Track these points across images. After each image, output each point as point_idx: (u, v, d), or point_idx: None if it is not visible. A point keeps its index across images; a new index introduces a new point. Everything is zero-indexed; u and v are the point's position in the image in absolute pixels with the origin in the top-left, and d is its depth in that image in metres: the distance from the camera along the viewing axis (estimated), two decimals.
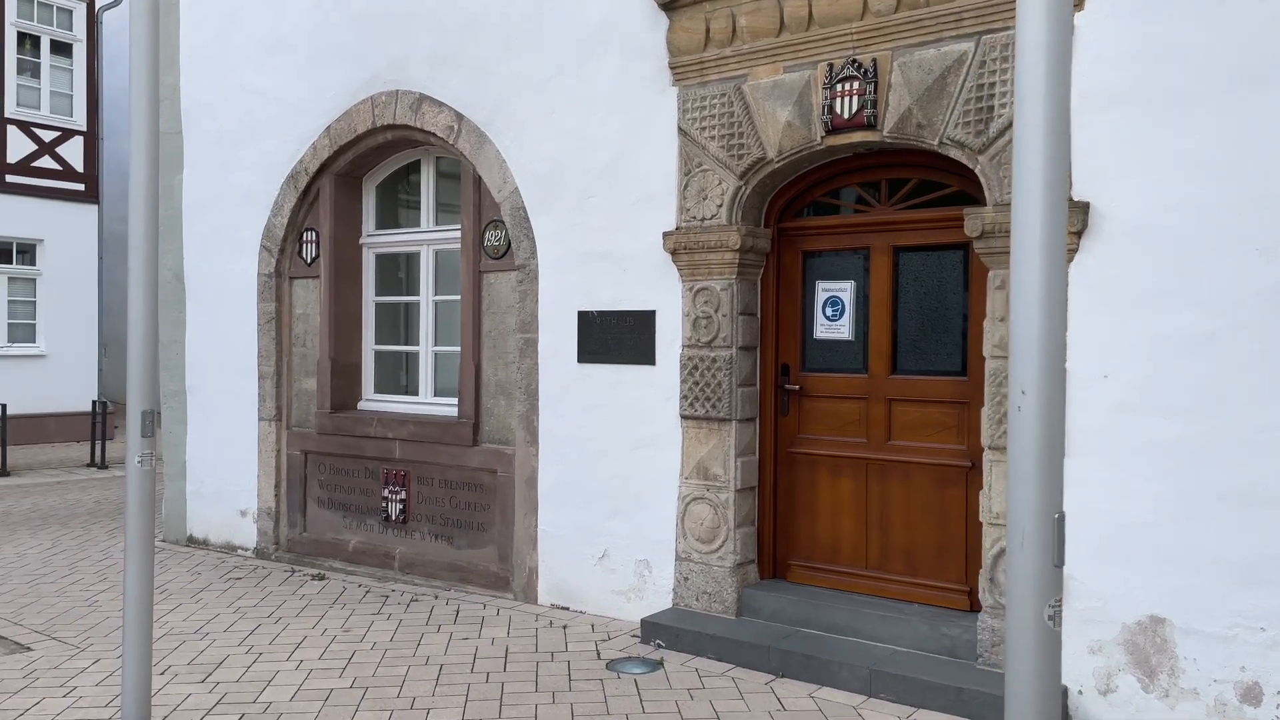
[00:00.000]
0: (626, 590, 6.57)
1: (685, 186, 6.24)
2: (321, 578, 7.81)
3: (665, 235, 6.28)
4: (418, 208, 8.23)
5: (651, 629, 6.07)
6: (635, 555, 6.53)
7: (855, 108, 5.57)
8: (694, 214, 6.19)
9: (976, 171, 5.26)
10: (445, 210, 8.06)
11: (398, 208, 8.50)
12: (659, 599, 6.41)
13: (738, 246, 6.00)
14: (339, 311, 8.26)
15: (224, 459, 8.82)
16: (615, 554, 6.62)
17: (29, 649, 6.06)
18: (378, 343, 8.42)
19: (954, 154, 5.33)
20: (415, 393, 8.21)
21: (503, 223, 7.21)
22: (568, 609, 6.81)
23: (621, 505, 6.58)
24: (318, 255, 8.29)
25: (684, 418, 6.29)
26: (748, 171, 6.00)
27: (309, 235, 8.37)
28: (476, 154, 7.22)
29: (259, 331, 8.56)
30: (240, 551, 8.71)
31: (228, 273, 8.76)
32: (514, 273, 7.16)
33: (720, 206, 6.08)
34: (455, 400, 7.76)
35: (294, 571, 8.05)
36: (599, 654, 5.92)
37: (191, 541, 9.10)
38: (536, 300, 6.95)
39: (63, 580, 7.72)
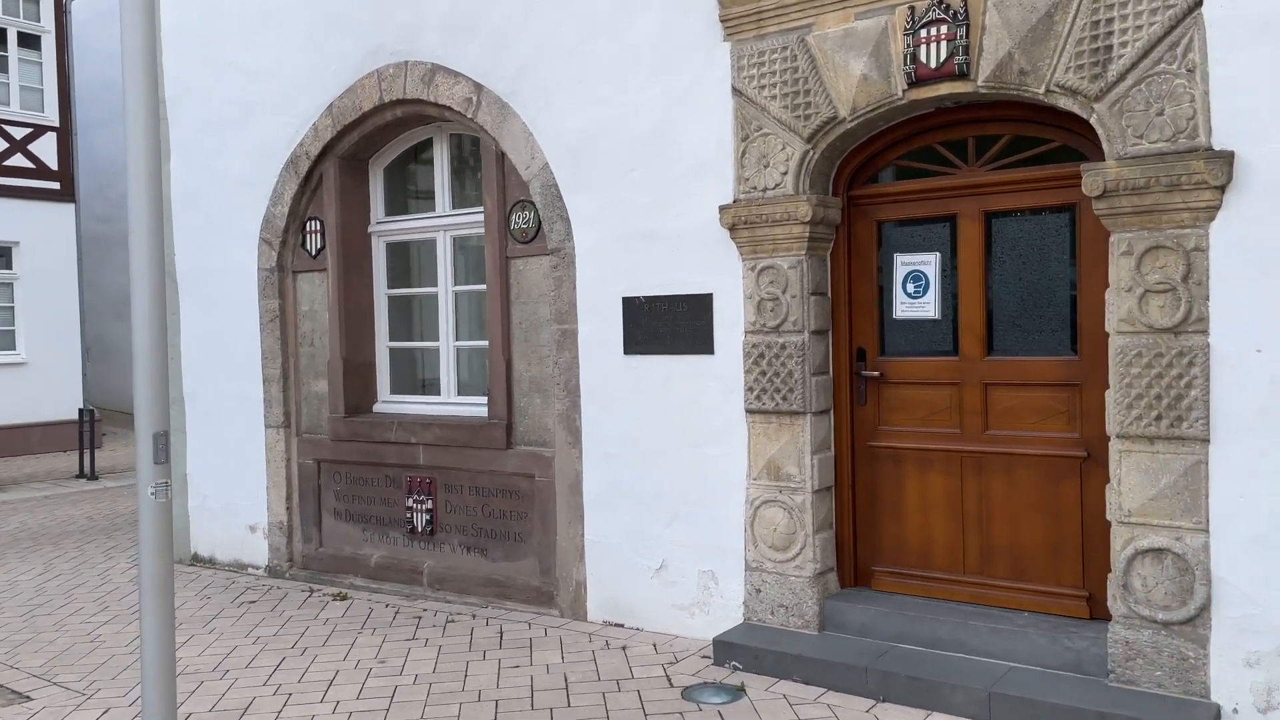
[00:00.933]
0: (689, 604, 5.93)
1: (743, 154, 5.58)
2: (343, 597, 7.15)
3: (722, 209, 5.62)
4: (430, 191, 7.54)
5: (725, 649, 5.43)
6: (698, 566, 5.89)
7: (944, 55, 4.91)
8: (754, 184, 5.53)
9: (1092, 122, 4.61)
10: (462, 192, 7.38)
11: (408, 192, 7.80)
12: (727, 613, 5.78)
13: (808, 218, 5.34)
14: (350, 307, 7.57)
15: (229, 470, 8.13)
16: (675, 565, 5.97)
17: (28, 698, 5.39)
18: (392, 339, 7.73)
19: (1063, 103, 4.68)
20: (435, 392, 7.54)
21: (531, 203, 6.53)
22: (622, 626, 6.17)
23: (681, 511, 5.94)
24: (323, 247, 7.60)
25: (750, 412, 5.64)
26: (816, 134, 5.33)
27: (313, 225, 7.67)
28: (499, 128, 6.53)
29: (262, 331, 7.87)
30: (251, 570, 8.04)
31: (224, 269, 8.05)
32: (546, 257, 6.49)
33: (785, 174, 5.42)
34: (482, 399, 7.10)
35: (312, 591, 7.38)
36: (670, 680, 5.29)
37: (197, 560, 8.42)
38: (574, 287, 6.28)
39: (60, 611, 7.04)
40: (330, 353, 7.58)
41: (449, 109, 6.77)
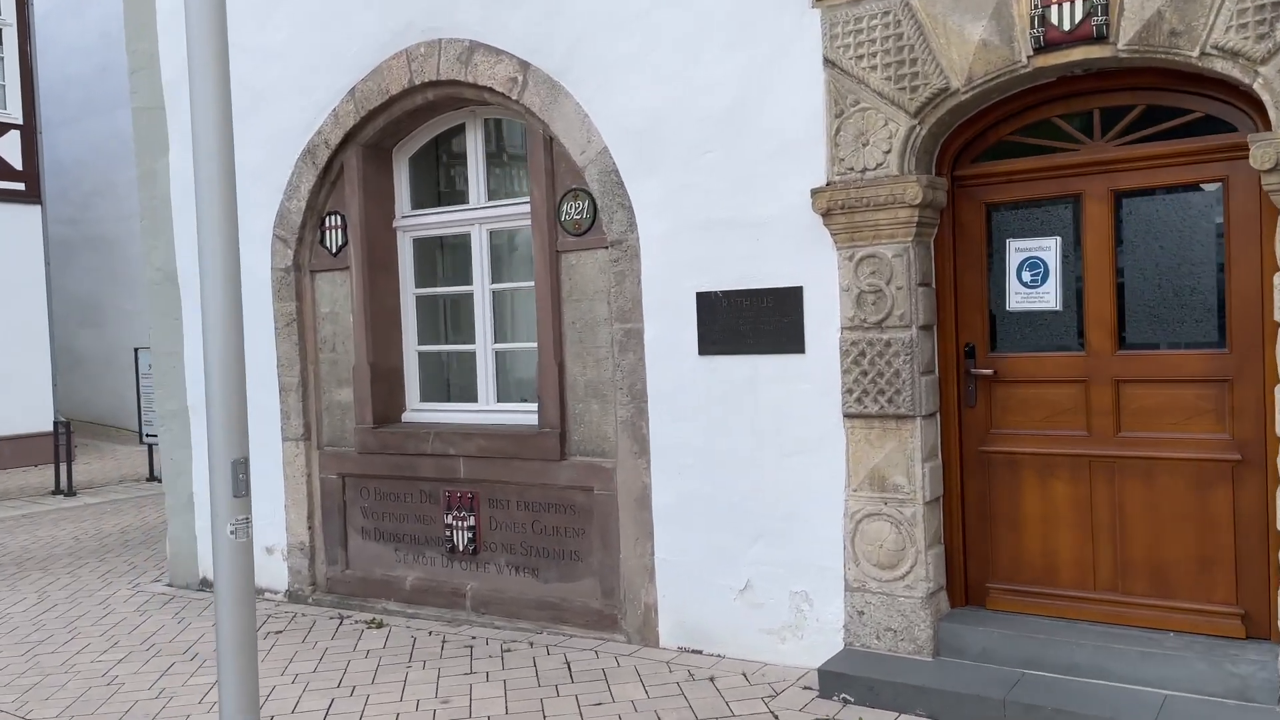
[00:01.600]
0: (780, 629, 5.40)
1: (837, 131, 5.05)
2: (379, 625, 6.55)
3: (814, 193, 5.08)
4: (460, 182, 6.96)
5: (833, 680, 4.91)
6: (790, 586, 5.36)
7: (1079, 15, 4.41)
8: (850, 164, 5.01)
9: (1256, 87, 4.13)
10: (498, 183, 6.80)
11: (436, 183, 7.20)
12: (824, 638, 5.26)
13: (916, 201, 4.83)
14: (376, 308, 6.96)
15: None
16: (762, 585, 5.44)
17: None
18: (420, 343, 7.13)
19: (1221, 67, 4.19)
20: (470, 399, 6.95)
21: (585, 191, 5.97)
22: (700, 653, 5.63)
23: (768, 526, 5.40)
24: (345, 243, 6.97)
25: (849, 416, 5.12)
26: (924, 108, 4.82)
27: (333, 220, 7.04)
28: (549, 110, 5.95)
29: (277, 336, 7.23)
30: (269, 595, 7.40)
31: None
32: (603, 251, 5.93)
33: (888, 153, 4.90)
34: (526, 406, 6.55)
35: (343, 619, 6.77)
36: (776, 718, 4.75)
37: (206, 585, 7.76)
38: (639, 282, 5.73)
39: (65, 648, 6.38)
40: (355, 358, 6.97)
41: (489, 90, 6.18)
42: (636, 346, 5.76)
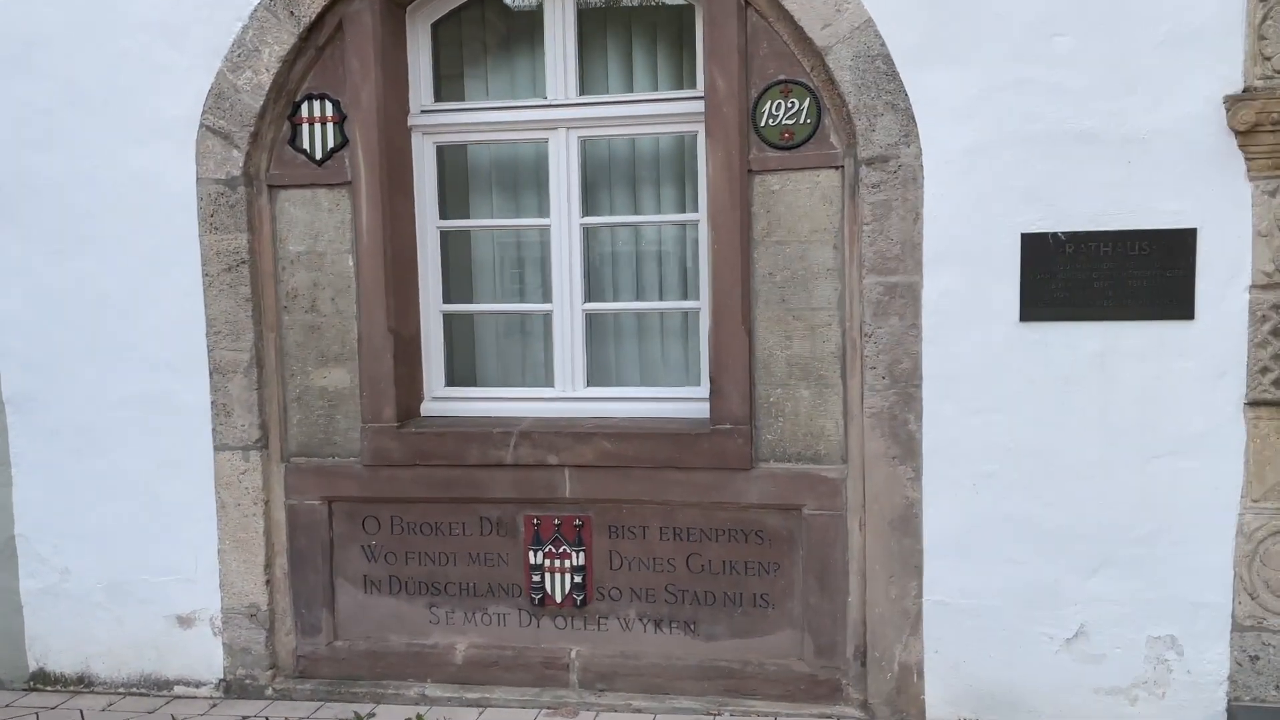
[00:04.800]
0: (1128, 687, 4.06)
1: (1263, 20, 3.73)
2: None
3: (1233, 102, 3.73)
4: (517, 66, 4.78)
5: None
6: (1146, 631, 4.03)
7: None
8: None
9: None
10: (593, 72, 4.72)
11: (463, 64, 4.90)
12: (1196, 695, 4.01)
13: None
14: (400, 248, 4.61)
15: (125, 525, 4.78)
16: (1102, 631, 4.06)
17: None
18: (448, 301, 4.87)
19: None
20: (529, 382, 4.87)
21: (803, 86, 4.16)
22: None
23: (1117, 553, 4.02)
24: (341, 145, 4.53)
25: (1254, 404, 3.86)
26: None
27: (316, 109, 4.55)
28: None
29: (207, 288, 4.60)
30: (185, 690, 4.79)
31: (108, 181, 4.62)
32: (830, 172, 4.19)
33: None
34: (649, 392, 4.64)
35: None
36: None
37: (41, 681, 4.92)
38: (917, 218, 4.04)
39: None
40: (364, 323, 4.57)
41: None
42: (906, 309, 4.08)
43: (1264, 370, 3.84)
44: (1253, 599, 3.93)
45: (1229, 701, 3.99)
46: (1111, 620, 4.05)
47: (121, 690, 4.83)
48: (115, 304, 4.66)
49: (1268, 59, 3.74)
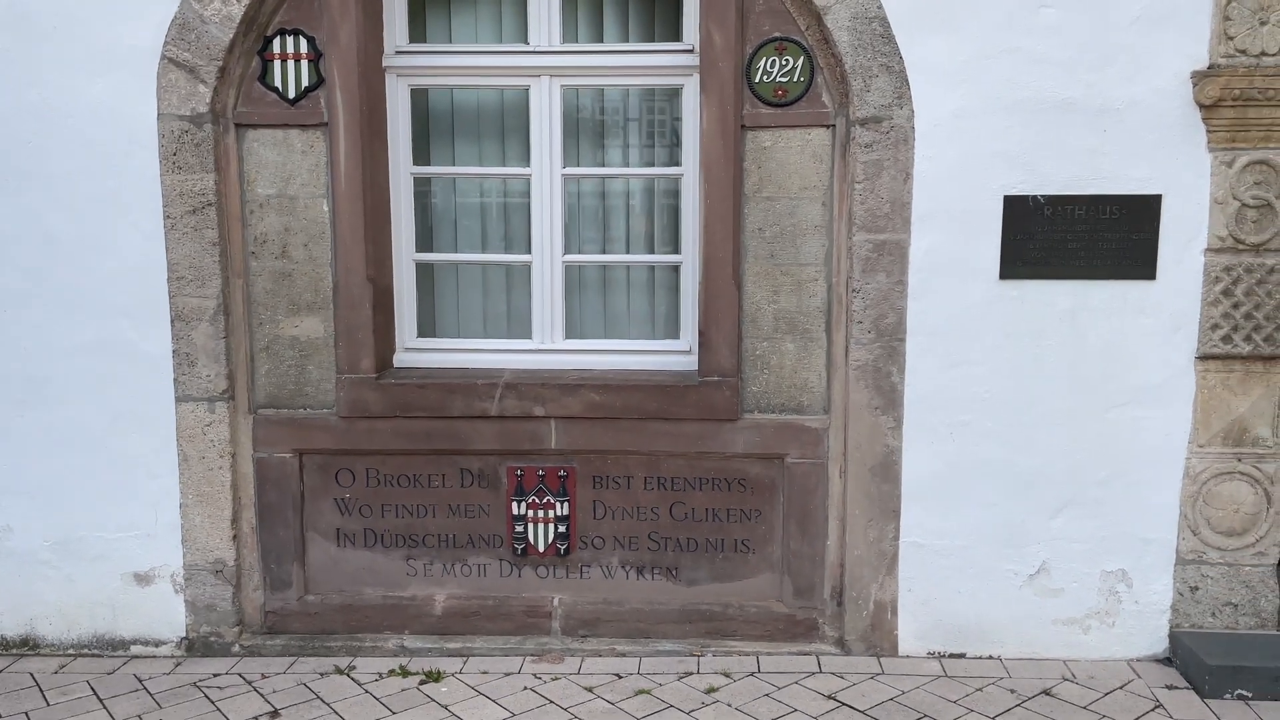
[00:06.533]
0: (1083, 617, 4.41)
1: (1228, 1, 4.03)
2: (405, 673, 4.34)
3: (1200, 78, 4.03)
4: (502, 9, 4.69)
5: (1227, 676, 4.06)
6: (1100, 565, 4.38)
7: None
8: (1242, 46, 4.04)
9: None
10: (576, 17, 4.67)
11: (453, 5, 4.77)
12: (1141, 623, 4.40)
13: None
14: (378, 195, 4.49)
15: (76, 480, 4.54)
16: (1062, 566, 4.39)
17: None
18: (420, 249, 4.77)
19: None
20: (501, 333, 4.84)
21: (797, 44, 4.26)
22: (963, 656, 4.46)
23: (1078, 495, 4.34)
24: (317, 84, 4.36)
25: (1204, 358, 4.23)
26: None
27: (290, 45, 4.36)
28: None
29: (169, 232, 4.37)
30: (142, 647, 4.61)
31: (59, 116, 4.32)
32: (820, 131, 4.31)
33: None
34: (634, 344, 4.70)
35: (322, 675, 4.39)
36: None
37: (25, 645, 4.65)
38: (907, 177, 4.21)
39: None
40: (339, 270, 4.44)
41: None
42: (893, 266, 4.26)
43: (1214, 327, 4.20)
44: (1195, 535, 4.33)
45: (1171, 628, 4.39)
46: (1070, 556, 4.38)
47: (72, 652, 4.61)
48: (65, 245, 4.38)
49: (1231, 38, 4.05)
